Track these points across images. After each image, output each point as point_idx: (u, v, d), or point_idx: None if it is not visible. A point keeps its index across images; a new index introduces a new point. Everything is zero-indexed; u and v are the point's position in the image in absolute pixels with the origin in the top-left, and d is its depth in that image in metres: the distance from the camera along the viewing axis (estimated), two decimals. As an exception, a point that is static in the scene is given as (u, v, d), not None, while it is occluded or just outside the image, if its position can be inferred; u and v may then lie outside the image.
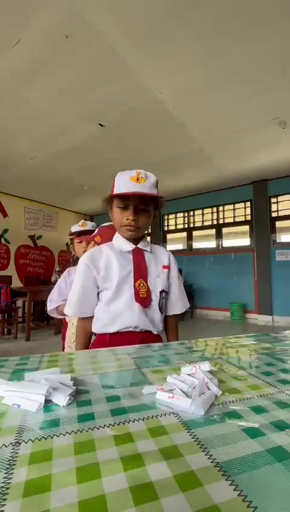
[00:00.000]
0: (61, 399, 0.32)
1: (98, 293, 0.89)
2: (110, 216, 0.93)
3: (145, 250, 0.93)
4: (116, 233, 0.95)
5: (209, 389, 0.36)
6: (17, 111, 3.03)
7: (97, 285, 0.89)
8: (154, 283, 0.90)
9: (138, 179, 0.84)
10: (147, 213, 0.87)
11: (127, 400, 0.34)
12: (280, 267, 4.97)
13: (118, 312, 0.85)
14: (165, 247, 1.38)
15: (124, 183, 0.83)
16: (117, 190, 0.84)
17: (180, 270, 5.89)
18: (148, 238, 1.00)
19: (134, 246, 0.91)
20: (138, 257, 0.91)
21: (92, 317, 0.89)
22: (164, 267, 0.94)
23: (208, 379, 0.37)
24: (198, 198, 5.99)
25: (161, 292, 0.90)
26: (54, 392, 0.33)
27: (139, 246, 0.92)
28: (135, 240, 0.91)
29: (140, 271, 0.89)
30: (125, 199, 0.84)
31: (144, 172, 0.85)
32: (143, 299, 0.86)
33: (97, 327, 0.86)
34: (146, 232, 0.95)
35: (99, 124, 3.26)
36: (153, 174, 0.87)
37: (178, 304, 0.98)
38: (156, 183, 0.87)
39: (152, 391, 0.35)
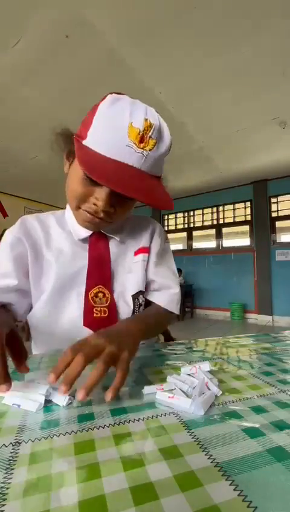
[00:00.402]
0: (61, 399, 0.32)
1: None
2: (64, 169, 0.57)
3: (111, 237, 0.59)
4: (68, 213, 0.61)
5: (209, 389, 0.36)
6: (17, 111, 3.03)
7: (27, 276, 0.55)
8: (124, 283, 0.58)
9: (142, 139, 0.43)
10: (131, 201, 0.51)
11: (127, 400, 0.34)
12: (280, 267, 4.97)
13: (51, 342, 0.53)
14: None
15: (114, 134, 0.43)
16: (94, 141, 0.44)
17: (179, 270, 5.81)
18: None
19: (92, 232, 0.57)
20: (98, 248, 0.57)
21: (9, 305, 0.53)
22: (138, 251, 0.61)
23: (208, 379, 0.37)
24: (198, 198, 5.99)
25: (135, 295, 0.58)
26: (54, 392, 0.33)
27: (103, 230, 0.58)
28: None
29: (99, 272, 0.56)
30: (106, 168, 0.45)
31: (157, 126, 0.46)
32: (101, 322, 0.53)
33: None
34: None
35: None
36: (169, 135, 0.49)
37: (167, 289, 0.64)
38: (167, 153, 0.49)
39: (152, 391, 0.35)
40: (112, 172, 0.41)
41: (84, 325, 0.52)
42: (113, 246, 0.60)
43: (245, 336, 0.69)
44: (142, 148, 0.43)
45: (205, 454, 0.24)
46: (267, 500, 0.19)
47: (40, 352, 0.58)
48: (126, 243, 0.62)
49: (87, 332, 0.52)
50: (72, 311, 0.54)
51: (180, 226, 6.43)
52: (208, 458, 0.23)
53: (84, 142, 0.45)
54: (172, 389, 0.36)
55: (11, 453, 0.24)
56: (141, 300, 0.60)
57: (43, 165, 4.39)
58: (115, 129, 0.43)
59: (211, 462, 0.23)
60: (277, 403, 0.33)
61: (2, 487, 0.20)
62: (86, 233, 0.57)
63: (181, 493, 0.20)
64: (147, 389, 0.36)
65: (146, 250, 0.61)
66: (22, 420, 0.29)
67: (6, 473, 0.22)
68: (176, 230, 6.49)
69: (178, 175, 4.78)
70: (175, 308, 0.64)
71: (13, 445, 0.25)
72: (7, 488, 0.20)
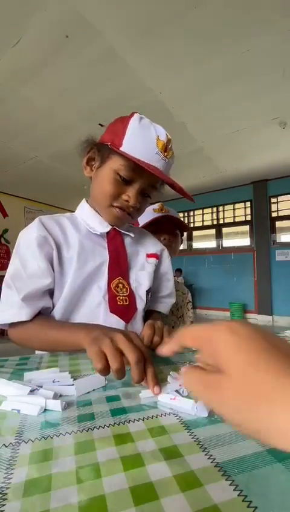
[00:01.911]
0: (57, 405, 0.32)
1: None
2: (86, 172, 0.62)
3: (126, 234, 0.65)
4: (85, 204, 0.65)
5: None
6: (17, 111, 3.03)
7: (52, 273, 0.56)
8: (138, 279, 0.63)
9: (166, 149, 0.55)
10: (149, 199, 0.62)
11: (127, 400, 0.34)
12: (280, 267, 4.97)
13: None
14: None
15: (146, 143, 0.54)
16: (130, 147, 0.53)
17: (179, 270, 5.80)
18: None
19: (110, 227, 0.62)
20: (116, 244, 0.62)
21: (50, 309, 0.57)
22: (149, 255, 0.67)
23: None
24: (198, 198, 5.99)
25: (147, 292, 0.63)
26: (48, 400, 0.32)
27: (118, 228, 0.64)
28: None
29: (119, 265, 0.60)
30: (137, 171, 0.54)
31: (172, 141, 0.58)
32: (124, 309, 0.57)
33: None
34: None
35: (100, 124, 3.26)
36: None
37: (164, 299, 0.71)
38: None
39: (149, 395, 0.35)
40: (150, 166, 0.52)
41: (110, 311, 0.56)
42: (128, 243, 0.65)
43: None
44: (165, 156, 0.55)
45: (205, 454, 0.24)
46: (267, 500, 0.19)
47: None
48: (138, 244, 0.68)
49: (115, 318, 0.56)
50: (93, 303, 0.57)
51: (180, 226, 6.43)
52: (208, 458, 0.23)
53: (121, 149, 0.54)
54: (176, 390, 0.35)
55: (11, 453, 0.24)
56: (148, 297, 0.64)
57: (43, 165, 4.39)
58: (146, 140, 0.54)
59: (211, 462, 0.23)
60: (277, 403, 0.33)
61: (2, 487, 0.20)
62: (103, 228, 0.61)
63: (181, 493, 0.20)
64: (144, 393, 0.35)
65: (155, 256, 0.68)
66: (22, 420, 0.29)
67: (6, 473, 0.22)
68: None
69: (178, 175, 4.78)
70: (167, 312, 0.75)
71: (13, 445, 0.25)
72: (7, 488, 0.20)
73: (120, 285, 0.59)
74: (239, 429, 0.18)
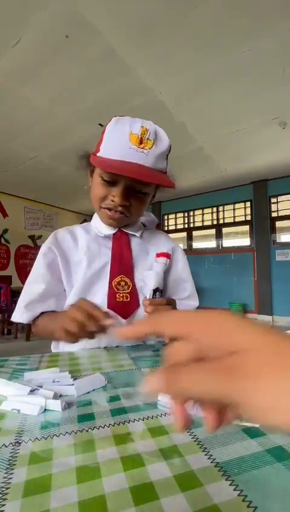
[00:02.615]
0: (57, 405, 0.32)
1: None
2: (89, 186, 0.66)
3: (132, 234, 0.68)
4: (94, 217, 0.70)
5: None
6: (17, 111, 3.03)
7: (60, 279, 0.64)
8: (144, 279, 0.64)
9: (141, 141, 0.54)
10: (144, 195, 0.61)
11: (127, 400, 0.34)
12: (280, 267, 4.97)
13: None
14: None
15: (119, 142, 0.55)
16: (106, 150, 0.56)
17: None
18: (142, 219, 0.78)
19: (115, 230, 0.66)
20: (120, 244, 0.66)
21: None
22: (159, 254, 0.67)
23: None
24: (198, 198, 5.99)
25: (154, 291, 0.63)
26: (48, 400, 0.32)
27: (125, 229, 0.67)
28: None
29: (121, 263, 0.64)
30: (107, 171, 0.57)
31: (153, 129, 0.56)
32: (124, 305, 0.60)
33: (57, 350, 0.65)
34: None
35: (100, 124, 3.26)
36: (168, 138, 0.59)
37: (184, 302, 0.70)
38: (167, 151, 0.59)
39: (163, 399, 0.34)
40: (119, 165, 0.53)
41: (107, 307, 0.58)
42: (135, 243, 0.68)
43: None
44: (142, 148, 0.54)
45: (205, 454, 0.24)
46: (267, 500, 0.19)
47: (61, 350, 0.64)
48: (148, 243, 0.70)
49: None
50: (97, 300, 0.59)
51: (180, 226, 6.43)
52: (208, 458, 0.23)
53: (98, 154, 0.57)
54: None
55: (11, 453, 0.24)
56: (157, 295, 0.64)
57: (43, 165, 4.39)
58: (119, 138, 0.55)
59: (211, 462, 0.23)
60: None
61: (2, 487, 0.20)
62: (109, 231, 0.66)
63: (181, 493, 0.20)
64: (161, 396, 0.34)
65: (166, 255, 0.68)
66: (22, 420, 0.29)
67: (6, 473, 0.22)
68: (176, 230, 6.49)
69: (178, 175, 4.74)
70: None
71: (13, 445, 0.25)
72: (7, 488, 0.20)
73: (122, 283, 0.62)
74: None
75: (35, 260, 0.66)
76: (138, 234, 0.68)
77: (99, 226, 0.67)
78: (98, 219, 0.67)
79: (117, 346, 0.62)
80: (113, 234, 0.66)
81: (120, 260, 0.64)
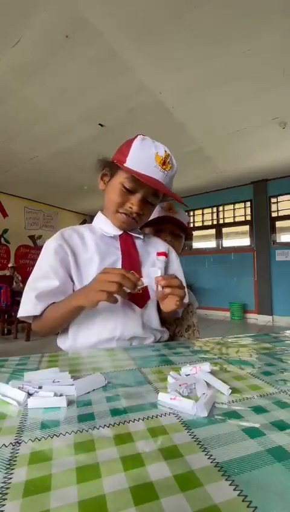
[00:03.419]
0: (62, 401, 0.32)
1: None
2: (100, 186, 0.73)
3: (136, 236, 0.76)
4: (100, 214, 0.76)
5: (210, 389, 0.36)
6: (17, 111, 3.03)
7: (71, 276, 0.66)
8: (149, 274, 0.70)
9: (164, 163, 0.65)
10: (153, 206, 0.72)
11: (127, 400, 0.34)
12: (280, 267, 4.97)
13: (96, 319, 0.64)
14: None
15: (146, 159, 0.64)
16: (133, 163, 0.64)
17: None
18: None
19: (121, 231, 0.73)
20: (127, 244, 0.72)
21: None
22: (159, 253, 0.76)
23: (213, 379, 0.37)
24: (198, 198, 5.99)
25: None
26: (50, 399, 0.33)
27: (129, 232, 0.74)
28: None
29: (131, 259, 0.70)
30: (139, 182, 0.64)
31: (171, 155, 0.67)
32: (139, 296, 0.66)
33: (66, 345, 0.66)
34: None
35: (100, 124, 3.26)
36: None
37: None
38: (176, 172, 0.71)
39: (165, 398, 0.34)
40: (147, 178, 0.63)
41: (127, 299, 0.64)
42: (138, 244, 0.75)
43: (245, 336, 0.69)
44: (164, 169, 0.65)
45: (205, 454, 0.24)
46: (267, 500, 0.19)
47: (68, 345, 0.66)
48: (148, 245, 0.78)
49: (128, 305, 0.66)
50: None
51: (180, 226, 6.43)
52: (208, 458, 0.23)
53: (125, 164, 0.65)
54: (177, 390, 0.35)
55: (11, 453, 0.24)
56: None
57: (43, 165, 4.39)
58: (146, 156, 0.64)
59: (211, 462, 0.23)
60: (277, 403, 0.33)
61: (2, 487, 0.20)
62: (116, 232, 0.72)
63: (181, 493, 0.20)
64: (161, 396, 0.34)
65: (164, 254, 0.75)
66: (22, 420, 0.29)
67: (6, 473, 0.22)
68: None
69: (178, 175, 4.74)
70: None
71: (13, 445, 0.25)
72: (7, 488, 0.20)
73: None
74: None
75: (42, 257, 0.68)
76: (141, 236, 0.77)
77: (104, 227, 0.73)
78: (104, 220, 0.74)
79: (131, 339, 0.66)
80: (119, 235, 0.73)
81: (130, 258, 0.70)
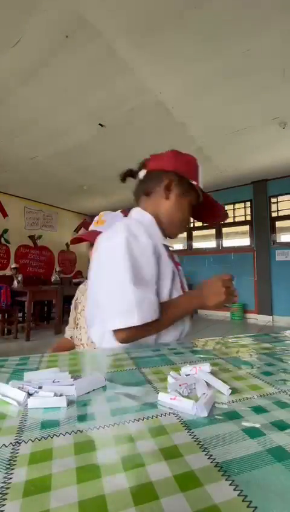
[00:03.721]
0: (62, 401, 0.32)
1: None
2: (164, 195, 0.74)
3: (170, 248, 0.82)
4: (152, 219, 0.74)
5: (210, 389, 0.36)
6: (17, 111, 3.03)
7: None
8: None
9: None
10: None
11: (127, 400, 0.34)
12: (280, 267, 4.97)
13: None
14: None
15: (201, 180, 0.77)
16: (201, 185, 0.76)
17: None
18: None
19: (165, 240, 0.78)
20: (173, 258, 0.79)
21: None
22: (177, 264, 0.85)
23: (213, 379, 0.37)
24: (198, 198, 5.97)
25: None
26: (50, 399, 0.33)
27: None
28: None
29: (179, 270, 0.79)
30: (199, 200, 0.77)
31: None
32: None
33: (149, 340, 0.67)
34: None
35: (100, 124, 3.26)
36: None
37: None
38: None
39: (166, 399, 0.34)
40: (220, 208, 0.85)
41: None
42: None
43: (245, 336, 0.69)
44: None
45: (205, 454, 0.24)
46: (267, 500, 0.19)
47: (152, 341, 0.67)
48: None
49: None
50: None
51: (180, 226, 6.42)
52: (208, 458, 0.23)
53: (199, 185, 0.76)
54: (176, 390, 0.35)
55: (11, 453, 0.24)
56: None
57: (43, 165, 4.39)
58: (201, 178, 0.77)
59: (211, 462, 0.23)
60: (277, 403, 0.33)
61: (2, 487, 0.20)
62: (168, 243, 0.77)
63: (181, 493, 0.20)
64: (161, 396, 0.34)
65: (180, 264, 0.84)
66: (22, 420, 0.29)
67: (6, 473, 0.22)
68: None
69: (178, 175, 4.78)
70: None
71: (13, 445, 0.25)
72: (7, 488, 0.20)
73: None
74: None
75: (137, 253, 0.62)
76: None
77: (160, 237, 0.74)
78: (159, 232, 0.74)
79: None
80: (166, 246, 0.76)
81: (178, 268, 0.78)
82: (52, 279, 5.90)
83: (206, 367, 0.43)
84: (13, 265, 5.10)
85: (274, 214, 5.20)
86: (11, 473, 0.21)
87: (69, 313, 1.23)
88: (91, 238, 0.94)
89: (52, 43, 2.15)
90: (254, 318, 5.17)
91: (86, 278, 0.95)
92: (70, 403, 0.33)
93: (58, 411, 0.31)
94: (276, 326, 4.68)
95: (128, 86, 2.63)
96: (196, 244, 6.23)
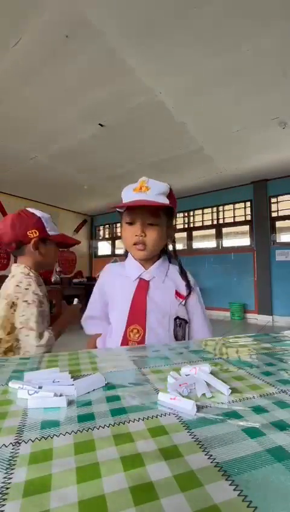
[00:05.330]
0: (63, 401, 0.32)
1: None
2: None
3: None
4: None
5: (210, 390, 0.36)
6: (17, 111, 3.03)
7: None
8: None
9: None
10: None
11: (127, 400, 0.34)
12: (280, 267, 4.97)
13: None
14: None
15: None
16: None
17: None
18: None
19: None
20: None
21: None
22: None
23: (213, 379, 0.37)
24: (198, 198, 5.98)
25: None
26: (50, 399, 0.33)
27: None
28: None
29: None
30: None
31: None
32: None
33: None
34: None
35: (99, 124, 3.26)
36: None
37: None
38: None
39: (166, 399, 0.34)
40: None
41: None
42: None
43: (245, 336, 0.69)
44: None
45: (205, 454, 0.24)
46: (267, 500, 0.19)
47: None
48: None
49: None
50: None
51: (180, 226, 6.43)
52: (208, 458, 0.23)
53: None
54: (176, 389, 0.35)
55: (11, 453, 0.24)
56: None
57: (43, 165, 4.39)
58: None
59: (211, 462, 0.23)
60: (277, 403, 0.33)
61: (2, 487, 0.20)
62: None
63: (181, 493, 0.20)
64: (161, 396, 0.34)
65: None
66: (22, 420, 0.29)
67: (6, 473, 0.22)
68: (176, 230, 6.47)
69: (178, 175, 4.78)
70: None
71: (13, 445, 0.25)
72: (7, 488, 0.20)
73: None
74: None
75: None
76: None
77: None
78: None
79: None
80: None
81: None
82: (52, 279, 5.90)
83: (206, 367, 0.43)
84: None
85: (274, 214, 5.20)
86: (11, 473, 0.21)
87: None
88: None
89: (52, 43, 2.15)
90: (254, 318, 5.17)
91: (86, 278, 1.09)
92: (70, 403, 0.33)
93: (58, 411, 0.31)
94: (276, 326, 4.68)
95: (128, 86, 2.63)
96: (196, 244, 6.22)
